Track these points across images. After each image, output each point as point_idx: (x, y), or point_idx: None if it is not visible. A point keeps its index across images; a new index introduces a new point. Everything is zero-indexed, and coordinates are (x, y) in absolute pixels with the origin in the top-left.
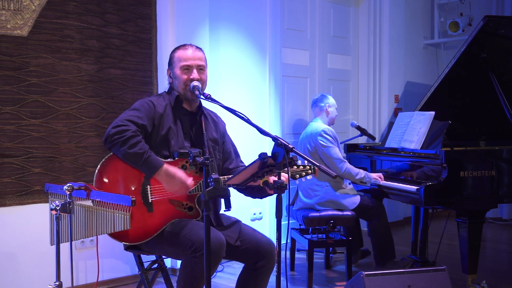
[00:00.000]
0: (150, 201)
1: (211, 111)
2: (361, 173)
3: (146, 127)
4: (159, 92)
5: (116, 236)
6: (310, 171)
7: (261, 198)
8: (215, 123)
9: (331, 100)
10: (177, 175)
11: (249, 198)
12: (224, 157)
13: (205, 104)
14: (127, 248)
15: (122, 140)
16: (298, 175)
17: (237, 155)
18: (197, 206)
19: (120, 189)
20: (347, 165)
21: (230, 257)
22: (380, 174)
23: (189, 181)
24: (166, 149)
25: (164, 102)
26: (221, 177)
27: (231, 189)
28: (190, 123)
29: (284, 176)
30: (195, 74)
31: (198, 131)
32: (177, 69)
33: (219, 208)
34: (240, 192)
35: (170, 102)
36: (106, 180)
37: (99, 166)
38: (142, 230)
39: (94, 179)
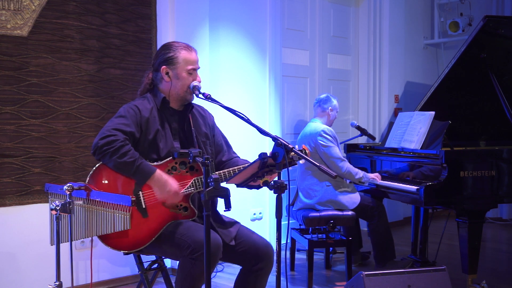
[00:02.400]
0: (144, 206)
1: (197, 105)
2: (360, 173)
3: (134, 133)
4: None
5: (114, 244)
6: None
7: (257, 188)
8: (202, 117)
9: (335, 103)
10: (169, 182)
11: (250, 198)
12: (216, 150)
13: (197, 100)
14: (126, 253)
15: (112, 151)
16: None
17: (228, 146)
18: (191, 206)
19: None
20: (348, 165)
21: (227, 259)
22: (378, 174)
23: (181, 191)
24: (155, 152)
25: (150, 105)
26: (219, 172)
27: (232, 189)
28: (179, 122)
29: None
30: (199, 77)
31: (187, 129)
32: (182, 71)
33: (216, 205)
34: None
35: (156, 104)
36: (97, 188)
37: (89, 175)
38: (139, 236)
39: None
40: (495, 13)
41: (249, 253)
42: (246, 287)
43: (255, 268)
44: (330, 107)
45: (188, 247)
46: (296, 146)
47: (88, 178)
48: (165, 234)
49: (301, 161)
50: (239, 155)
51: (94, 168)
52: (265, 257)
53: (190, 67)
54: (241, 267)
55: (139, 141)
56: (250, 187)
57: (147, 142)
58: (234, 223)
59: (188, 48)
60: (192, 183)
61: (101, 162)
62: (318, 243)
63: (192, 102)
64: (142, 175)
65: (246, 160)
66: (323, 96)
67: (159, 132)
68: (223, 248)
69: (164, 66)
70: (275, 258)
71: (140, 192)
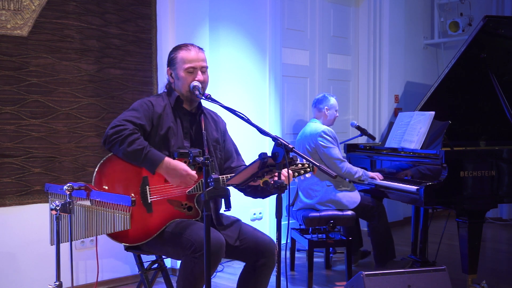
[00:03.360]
0: (149, 201)
1: (211, 110)
2: (359, 172)
3: (144, 126)
4: (159, 92)
5: (115, 237)
6: (309, 169)
7: (263, 198)
8: (215, 122)
9: (332, 101)
10: (179, 166)
11: (250, 198)
12: (226, 156)
13: (206, 103)
14: (127, 248)
15: (121, 139)
16: (297, 173)
17: (238, 154)
18: (196, 206)
19: (119, 190)
20: (347, 165)
21: (231, 256)
22: (378, 173)
23: (193, 172)
24: (166, 148)
25: (163, 102)
26: (221, 176)
27: (232, 189)
28: (190, 123)
29: (283, 175)
30: (200, 76)
31: (198, 131)
32: (180, 71)
33: (220, 207)
34: (241, 191)
35: (170, 102)
36: (105, 181)
37: (97, 168)
38: (142, 230)
39: (93, 181)
40: (495, 13)
41: (252, 249)
42: (249, 283)
43: (258, 264)
44: (326, 107)
45: (190, 246)
46: (304, 156)
47: (95, 173)
48: (168, 231)
49: (308, 175)
50: (246, 163)
51: (100, 162)
52: (267, 253)
53: (187, 65)
54: (244, 263)
55: (150, 135)
56: (255, 196)
57: (158, 137)
58: (235, 221)
59: (188, 47)
60: (197, 185)
61: (106, 157)
62: (318, 243)
63: (204, 106)
64: (151, 162)
65: None
66: (319, 96)
67: (171, 129)
68: (227, 246)
69: (168, 68)
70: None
71: (147, 187)
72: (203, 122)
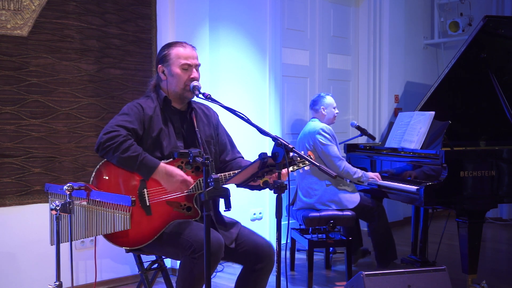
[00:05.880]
0: (148, 204)
1: (201, 104)
2: (359, 172)
3: (136, 130)
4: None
5: (116, 241)
6: (306, 162)
7: (259, 190)
8: (206, 116)
9: (327, 100)
10: (175, 172)
11: (250, 198)
12: (220, 149)
13: (196, 98)
14: (128, 250)
15: (115, 146)
16: (296, 167)
17: (233, 146)
18: (195, 206)
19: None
20: (345, 164)
21: (229, 259)
22: (377, 174)
23: (189, 177)
24: (158, 150)
25: (153, 104)
26: (220, 174)
27: (232, 189)
28: (181, 122)
29: (282, 172)
30: (195, 73)
31: (190, 129)
32: (175, 67)
33: (218, 205)
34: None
35: (159, 103)
36: (102, 186)
37: (93, 173)
38: (141, 233)
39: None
40: (495, 13)
41: (250, 253)
42: (247, 286)
43: (256, 267)
44: (322, 106)
45: (190, 246)
46: (302, 152)
47: (92, 177)
48: (167, 233)
49: (306, 168)
50: (242, 154)
51: (97, 166)
52: (266, 257)
53: (183, 62)
54: (242, 266)
55: (142, 138)
56: (252, 188)
57: (150, 139)
58: (235, 223)
59: (182, 44)
60: (194, 186)
61: (104, 160)
62: (318, 243)
63: (195, 101)
64: (146, 169)
65: (250, 161)
66: (314, 96)
67: (163, 131)
68: (224, 248)
69: (160, 65)
70: (275, 258)
71: (145, 190)
72: (195, 120)
